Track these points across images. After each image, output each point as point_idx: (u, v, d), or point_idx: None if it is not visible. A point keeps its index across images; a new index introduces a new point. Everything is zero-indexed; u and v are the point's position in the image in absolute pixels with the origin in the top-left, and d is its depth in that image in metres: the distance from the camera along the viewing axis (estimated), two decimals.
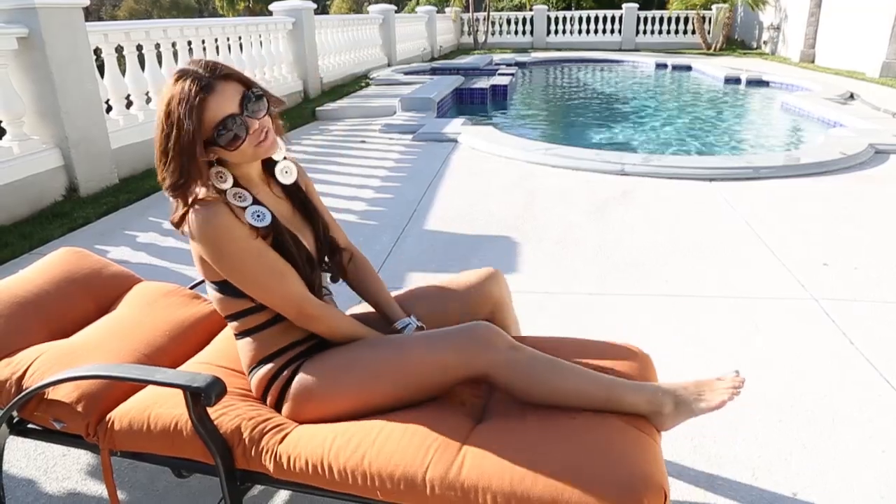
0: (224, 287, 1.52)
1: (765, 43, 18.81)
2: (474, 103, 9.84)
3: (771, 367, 2.54)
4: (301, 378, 1.52)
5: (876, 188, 5.05)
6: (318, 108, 8.44)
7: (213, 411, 1.42)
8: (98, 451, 1.57)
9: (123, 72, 5.77)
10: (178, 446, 1.47)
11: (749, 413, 2.23)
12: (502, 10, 23.95)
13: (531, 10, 21.44)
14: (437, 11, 18.97)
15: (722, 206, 4.56)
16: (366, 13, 14.22)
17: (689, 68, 14.82)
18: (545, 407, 1.47)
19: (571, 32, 20.61)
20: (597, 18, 20.31)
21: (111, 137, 5.27)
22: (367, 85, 10.89)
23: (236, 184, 1.50)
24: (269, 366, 1.55)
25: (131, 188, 5.11)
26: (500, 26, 21.48)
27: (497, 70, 12.69)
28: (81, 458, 2.03)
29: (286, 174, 1.59)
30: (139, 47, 5.96)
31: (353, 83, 11.03)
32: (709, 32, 19.01)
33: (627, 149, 7.06)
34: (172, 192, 1.42)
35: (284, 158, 1.60)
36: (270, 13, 9.42)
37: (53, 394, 1.56)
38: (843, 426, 2.17)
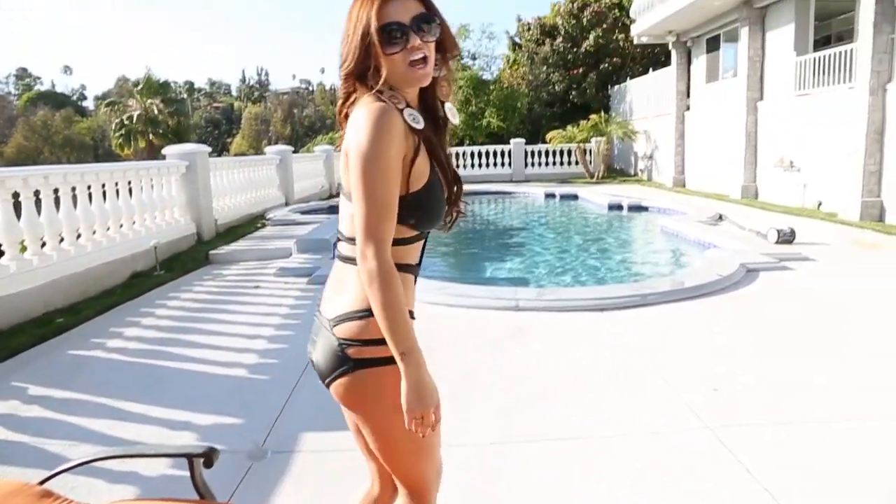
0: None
1: (641, 171, 20.56)
2: None
3: None
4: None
5: (749, 306, 5.43)
6: (211, 252, 8.17)
7: None
8: None
9: None
10: None
11: None
12: None
13: None
14: (335, 150, 19.47)
15: (614, 337, 4.68)
16: (263, 153, 14.42)
17: (575, 197, 15.73)
18: None
19: (465, 166, 21.67)
20: (489, 153, 21.56)
21: None
22: (264, 225, 10.81)
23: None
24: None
25: None
26: None
27: None
28: None
29: (452, 114, 1.67)
30: (16, 195, 5.67)
31: (250, 224, 10.93)
32: (590, 163, 20.57)
33: (522, 282, 7.27)
34: (344, 78, 1.57)
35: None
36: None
37: None
38: None
